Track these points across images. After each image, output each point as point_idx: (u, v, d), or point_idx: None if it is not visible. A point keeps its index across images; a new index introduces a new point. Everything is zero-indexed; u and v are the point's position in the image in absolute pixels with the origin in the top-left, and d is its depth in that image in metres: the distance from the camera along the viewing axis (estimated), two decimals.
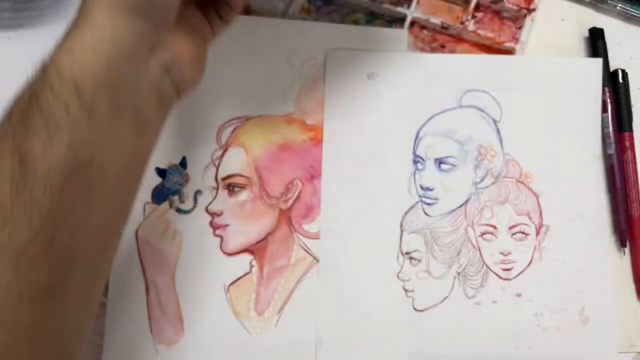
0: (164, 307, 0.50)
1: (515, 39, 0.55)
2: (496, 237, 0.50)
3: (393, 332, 0.49)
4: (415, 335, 0.48)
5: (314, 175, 0.52)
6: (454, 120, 0.52)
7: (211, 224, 0.51)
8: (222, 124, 0.53)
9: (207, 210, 0.51)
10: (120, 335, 0.49)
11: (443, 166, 0.51)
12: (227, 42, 0.54)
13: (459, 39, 0.56)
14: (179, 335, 0.49)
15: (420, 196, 0.51)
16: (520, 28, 0.55)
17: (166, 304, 0.50)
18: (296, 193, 0.51)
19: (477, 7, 0.56)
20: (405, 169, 0.51)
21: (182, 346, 0.49)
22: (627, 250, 0.51)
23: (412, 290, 0.49)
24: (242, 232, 0.51)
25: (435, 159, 0.51)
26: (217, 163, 0.52)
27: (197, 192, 0.52)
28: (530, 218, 0.50)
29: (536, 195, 0.51)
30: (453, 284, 0.49)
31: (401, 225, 0.50)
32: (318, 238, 0.50)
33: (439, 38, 0.56)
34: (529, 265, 0.49)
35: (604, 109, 0.52)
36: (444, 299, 0.49)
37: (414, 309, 0.49)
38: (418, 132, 0.52)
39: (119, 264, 0.50)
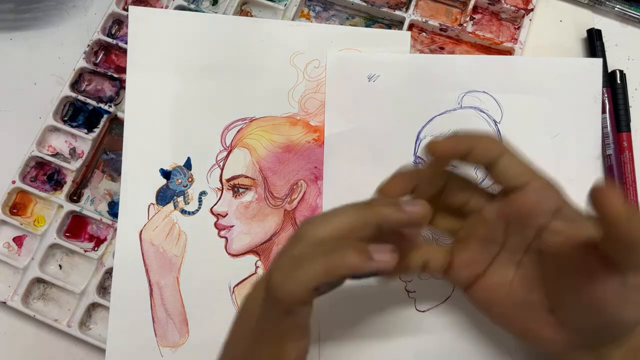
0: (169, 310, 0.49)
1: (514, 39, 0.55)
2: None
3: (395, 333, 0.48)
4: (417, 335, 0.48)
5: (318, 176, 0.52)
6: (454, 122, 0.52)
7: (216, 225, 0.51)
8: (227, 125, 0.53)
9: (211, 211, 0.51)
10: (123, 339, 0.49)
11: None
12: (231, 43, 0.54)
13: (457, 40, 0.56)
14: (184, 338, 0.49)
15: None
16: (518, 28, 0.56)
17: (171, 306, 0.49)
18: (301, 194, 0.51)
19: (475, 9, 0.56)
20: None
21: (186, 349, 0.49)
22: None
23: (414, 291, 0.49)
24: (247, 233, 0.51)
25: None
26: (221, 164, 0.52)
27: (202, 193, 0.52)
28: None
29: None
30: (455, 285, 0.49)
31: None
32: None
33: (437, 40, 0.56)
34: None
35: (602, 110, 0.52)
36: (446, 299, 0.49)
37: (416, 309, 0.49)
38: (419, 134, 0.52)
39: (122, 266, 0.50)
